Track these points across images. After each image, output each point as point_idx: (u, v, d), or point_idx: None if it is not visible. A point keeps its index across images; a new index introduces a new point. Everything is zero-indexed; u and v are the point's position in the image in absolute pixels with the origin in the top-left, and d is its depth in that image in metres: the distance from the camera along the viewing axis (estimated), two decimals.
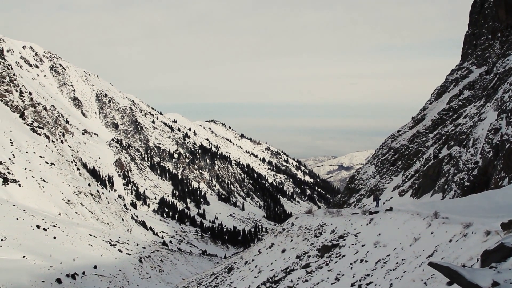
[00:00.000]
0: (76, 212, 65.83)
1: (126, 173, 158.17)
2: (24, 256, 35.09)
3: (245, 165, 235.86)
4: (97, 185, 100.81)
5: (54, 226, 49.18)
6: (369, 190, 74.48)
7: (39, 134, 76.09)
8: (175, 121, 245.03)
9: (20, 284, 29.47)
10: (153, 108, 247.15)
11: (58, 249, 42.05)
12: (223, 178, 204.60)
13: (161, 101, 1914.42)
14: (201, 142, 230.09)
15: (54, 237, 45.39)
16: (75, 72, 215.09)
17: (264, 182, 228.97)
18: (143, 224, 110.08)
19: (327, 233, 24.96)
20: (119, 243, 59.01)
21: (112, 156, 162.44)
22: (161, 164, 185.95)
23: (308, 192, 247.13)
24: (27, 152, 67.25)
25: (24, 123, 75.43)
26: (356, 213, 26.79)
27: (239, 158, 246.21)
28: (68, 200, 66.33)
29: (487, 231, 11.70)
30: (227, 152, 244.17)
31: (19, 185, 59.71)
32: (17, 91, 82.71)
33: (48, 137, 78.08)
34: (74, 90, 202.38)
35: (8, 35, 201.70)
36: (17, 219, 45.32)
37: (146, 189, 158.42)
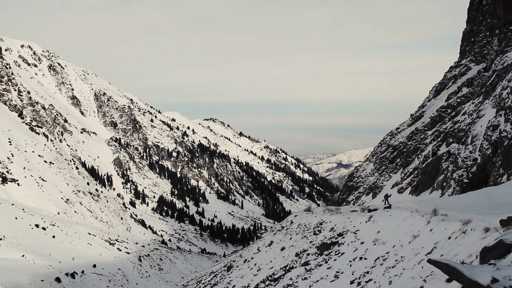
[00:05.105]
0: (75, 211, 65.78)
1: (125, 171, 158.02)
2: (23, 255, 35.04)
3: (244, 163, 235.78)
4: (96, 184, 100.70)
5: (53, 225, 49.13)
6: (368, 188, 74.59)
7: (38, 133, 75.94)
8: (173, 120, 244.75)
9: (19, 283, 29.44)
10: (151, 107, 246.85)
11: (57, 248, 42.01)
12: (222, 177, 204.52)
13: (160, 99, 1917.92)
14: (199, 141, 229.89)
15: (53, 236, 45.35)
16: (74, 71, 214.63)
17: (263, 180, 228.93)
18: (142, 222, 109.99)
19: (326, 231, 24.98)
20: (118, 242, 59.00)
21: (111, 155, 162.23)
22: (160, 162, 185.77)
23: (307, 190, 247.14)
24: (25, 151, 67.13)
25: (23, 122, 75.26)
26: (355, 211, 26.81)
27: (237, 156, 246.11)
28: (67, 199, 66.26)
29: (486, 228, 11.71)
30: (225, 151, 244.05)
31: (18, 184, 59.61)
32: (15, 90, 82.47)
33: (46, 136, 77.94)
34: (72, 89, 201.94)
35: (7, 34, 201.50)
36: (16, 218, 45.26)
37: (145, 187, 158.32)
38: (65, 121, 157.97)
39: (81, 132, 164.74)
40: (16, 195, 56.60)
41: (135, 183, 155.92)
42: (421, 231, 16.06)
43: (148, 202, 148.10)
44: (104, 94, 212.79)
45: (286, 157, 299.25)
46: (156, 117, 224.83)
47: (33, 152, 68.67)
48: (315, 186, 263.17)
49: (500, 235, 9.58)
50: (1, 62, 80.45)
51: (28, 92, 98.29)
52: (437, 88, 73.64)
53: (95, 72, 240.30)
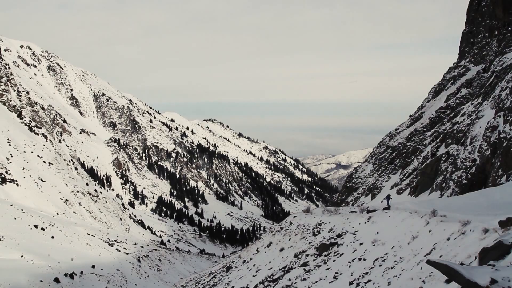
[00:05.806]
0: (74, 212, 65.71)
1: (124, 172, 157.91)
2: (22, 256, 34.98)
3: (243, 164, 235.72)
4: (95, 185, 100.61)
5: (52, 225, 49.06)
6: (367, 189, 74.62)
7: (37, 134, 75.86)
8: (172, 120, 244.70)
9: (18, 283, 29.39)
10: (150, 107, 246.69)
11: (56, 248, 41.94)
12: (221, 177, 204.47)
13: (159, 100, 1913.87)
14: (199, 141, 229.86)
15: (52, 237, 45.27)
16: (73, 72, 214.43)
17: (262, 181, 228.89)
18: (141, 223, 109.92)
19: (325, 232, 24.97)
20: (117, 242, 58.93)
21: (110, 156, 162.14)
22: (159, 163, 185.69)
23: (306, 190, 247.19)
24: (24, 152, 67.06)
25: (22, 123, 75.19)
26: (354, 212, 26.82)
27: (237, 157, 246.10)
28: (66, 200, 66.19)
29: (485, 228, 11.72)
30: (225, 151, 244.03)
31: (17, 184, 59.54)
32: (14, 90, 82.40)
33: (45, 137, 77.87)
34: (71, 90, 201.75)
35: (6, 34, 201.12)
36: (15, 218, 45.20)
37: (144, 188, 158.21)
38: (64, 121, 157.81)
39: (80, 133, 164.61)
40: (15, 196, 56.53)
41: (134, 184, 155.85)
42: (420, 232, 16.07)
43: (147, 203, 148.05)
44: (103, 94, 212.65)
45: (285, 157, 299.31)
46: (155, 117, 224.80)
47: (32, 152, 68.60)
48: (314, 187, 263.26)
49: (499, 236, 9.59)
50: (0, 62, 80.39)
51: (27, 93, 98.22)
52: (436, 89, 73.68)
53: (94, 73, 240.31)
